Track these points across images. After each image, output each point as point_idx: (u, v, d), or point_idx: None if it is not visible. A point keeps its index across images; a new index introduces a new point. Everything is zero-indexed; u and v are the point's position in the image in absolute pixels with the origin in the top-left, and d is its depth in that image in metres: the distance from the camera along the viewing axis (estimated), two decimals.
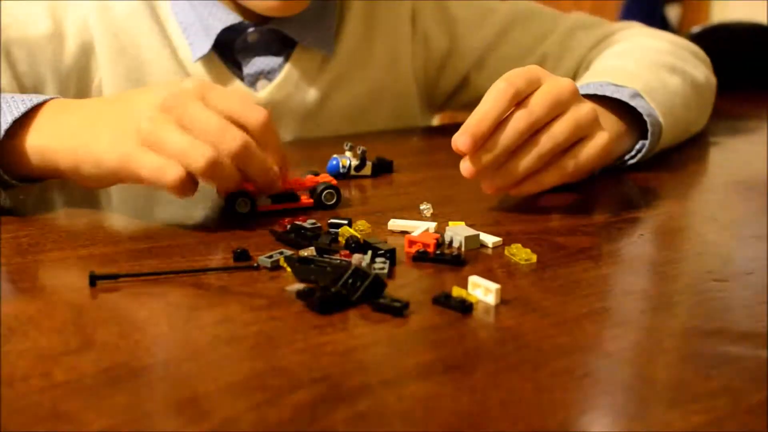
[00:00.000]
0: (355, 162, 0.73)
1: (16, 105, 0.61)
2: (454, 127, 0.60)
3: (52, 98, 0.63)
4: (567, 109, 0.61)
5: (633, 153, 0.76)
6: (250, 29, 0.86)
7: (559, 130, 0.60)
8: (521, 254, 0.53)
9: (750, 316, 0.46)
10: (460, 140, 0.58)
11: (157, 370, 0.39)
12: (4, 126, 0.60)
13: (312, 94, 0.90)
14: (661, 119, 0.75)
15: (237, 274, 0.50)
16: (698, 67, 0.89)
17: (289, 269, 0.50)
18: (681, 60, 0.87)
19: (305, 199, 0.63)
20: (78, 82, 0.85)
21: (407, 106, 0.99)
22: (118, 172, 0.57)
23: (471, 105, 0.62)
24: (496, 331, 0.44)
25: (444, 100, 1.03)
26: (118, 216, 0.65)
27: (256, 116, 0.57)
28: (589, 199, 0.69)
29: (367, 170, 0.74)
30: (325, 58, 0.90)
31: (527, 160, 0.60)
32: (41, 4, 0.83)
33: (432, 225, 0.58)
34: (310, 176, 0.66)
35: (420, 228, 0.57)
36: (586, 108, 0.62)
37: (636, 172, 0.76)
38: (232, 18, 0.84)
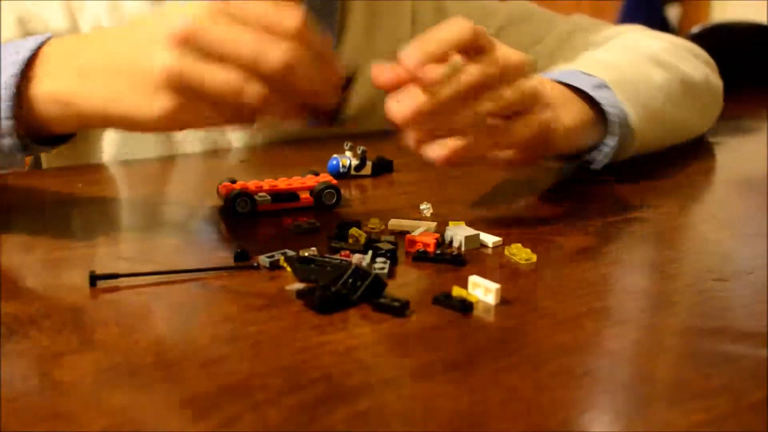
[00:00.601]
0: (355, 162, 0.73)
1: (15, 50, 0.54)
2: None
3: (48, 37, 0.55)
4: (515, 79, 0.58)
5: (603, 149, 0.71)
6: None
7: (504, 94, 0.56)
8: (521, 254, 0.53)
9: (750, 315, 0.46)
10: (408, 54, 0.53)
11: (157, 370, 0.39)
12: (10, 73, 0.53)
13: None
14: (629, 111, 0.70)
15: (237, 274, 0.50)
16: (697, 67, 0.87)
17: (289, 269, 0.50)
18: (675, 57, 0.84)
19: (305, 199, 0.64)
20: None
21: None
22: (161, 128, 0.50)
23: None
24: (496, 331, 0.44)
25: None
26: (118, 215, 0.65)
27: (291, 19, 0.47)
28: (589, 199, 0.69)
29: (367, 170, 0.74)
30: None
31: (462, 115, 0.55)
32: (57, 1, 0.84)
33: (432, 225, 0.58)
34: (310, 176, 0.66)
35: (420, 228, 0.57)
36: (534, 81, 0.59)
37: (635, 172, 0.76)
38: None
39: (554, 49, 0.95)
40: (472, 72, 0.55)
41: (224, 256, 0.53)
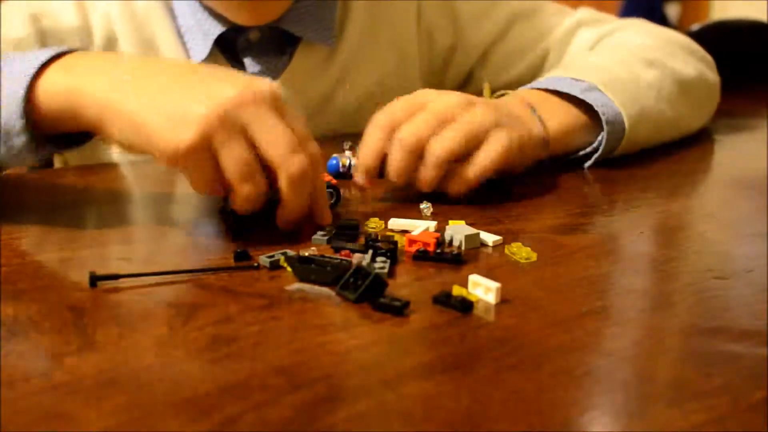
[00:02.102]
0: (354, 161, 0.73)
1: (41, 53, 0.57)
2: None
3: (68, 50, 0.59)
4: (456, 120, 0.63)
5: (596, 145, 0.75)
6: (252, 28, 0.85)
7: (447, 137, 0.62)
8: (521, 253, 0.53)
9: (750, 314, 0.46)
10: (360, 180, 0.64)
11: (157, 370, 0.39)
12: (34, 66, 0.56)
13: (317, 90, 0.90)
14: (620, 109, 0.74)
15: (237, 274, 0.50)
16: (690, 63, 0.88)
17: (289, 269, 0.50)
18: (667, 55, 0.86)
19: None
20: None
21: None
22: (161, 159, 0.52)
23: None
24: (497, 330, 0.44)
25: None
26: (118, 216, 0.65)
27: (314, 146, 0.56)
28: (589, 198, 0.69)
29: None
30: (331, 53, 0.90)
31: (426, 172, 0.62)
32: None
33: (432, 224, 0.58)
34: None
35: (420, 227, 0.57)
36: (478, 113, 0.63)
37: (635, 170, 0.76)
38: (229, 23, 0.84)
39: (558, 46, 0.96)
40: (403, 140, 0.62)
41: (224, 256, 0.53)
